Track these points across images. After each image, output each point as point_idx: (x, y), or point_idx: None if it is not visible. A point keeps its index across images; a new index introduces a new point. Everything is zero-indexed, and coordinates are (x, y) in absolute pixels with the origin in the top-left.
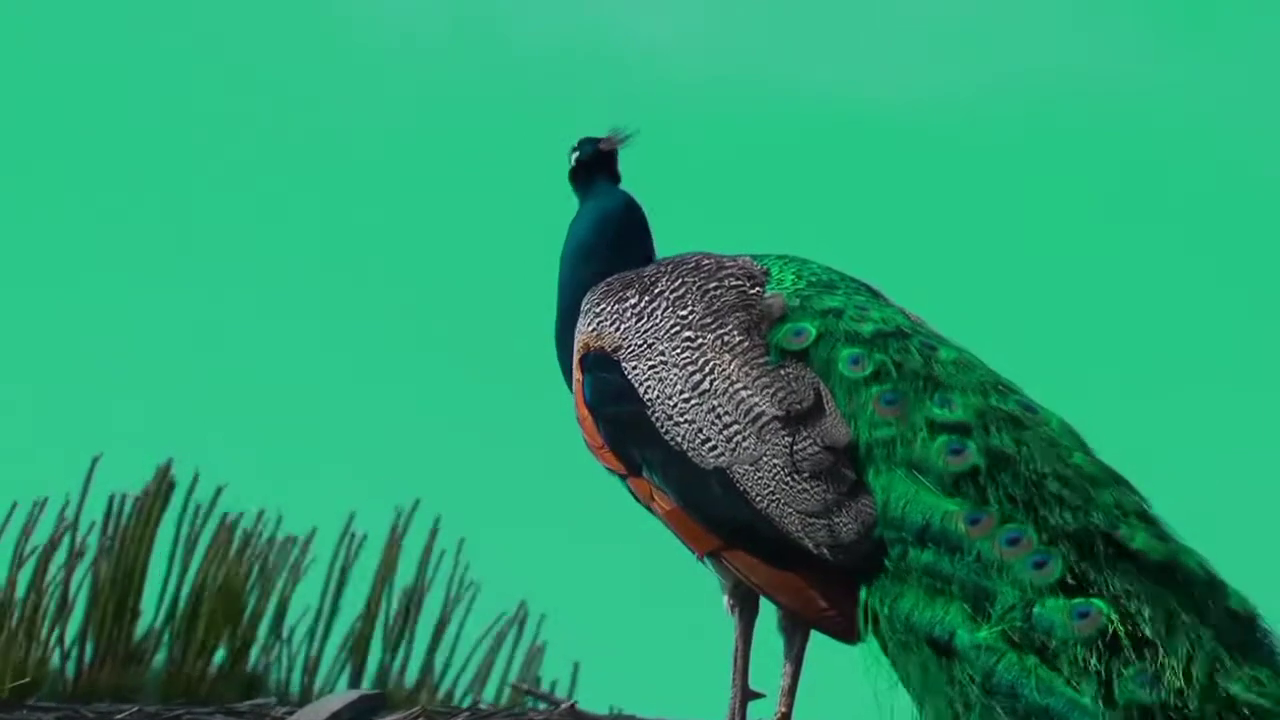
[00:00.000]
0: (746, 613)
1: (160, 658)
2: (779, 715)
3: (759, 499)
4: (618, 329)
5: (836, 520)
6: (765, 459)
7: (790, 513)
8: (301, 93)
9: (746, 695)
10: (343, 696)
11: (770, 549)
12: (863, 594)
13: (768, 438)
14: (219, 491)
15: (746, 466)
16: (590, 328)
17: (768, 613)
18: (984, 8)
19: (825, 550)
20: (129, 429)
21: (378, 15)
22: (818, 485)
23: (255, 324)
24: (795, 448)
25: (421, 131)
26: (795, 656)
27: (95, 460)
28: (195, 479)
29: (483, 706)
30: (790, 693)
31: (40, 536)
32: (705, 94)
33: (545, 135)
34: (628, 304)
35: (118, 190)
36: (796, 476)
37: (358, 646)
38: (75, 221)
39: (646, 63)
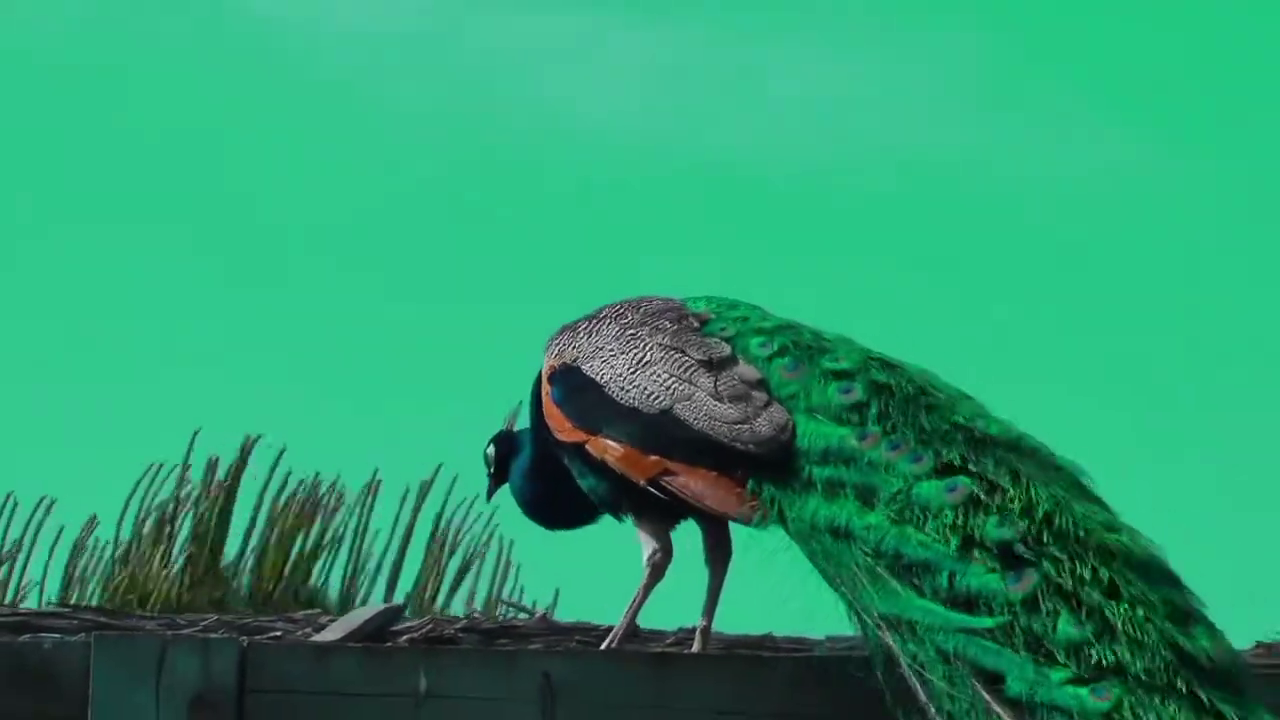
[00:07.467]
0: (657, 573)
1: (245, 581)
2: (701, 627)
3: (695, 422)
4: (573, 346)
5: (754, 424)
6: (696, 394)
7: (719, 425)
8: (291, 147)
9: (632, 630)
10: (371, 608)
11: (708, 459)
12: (775, 497)
13: (696, 380)
14: (265, 451)
15: (684, 403)
16: (553, 354)
17: (694, 547)
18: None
19: (751, 446)
20: (196, 407)
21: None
22: (737, 403)
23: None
24: (718, 383)
25: (408, 148)
26: (716, 583)
27: (195, 434)
28: (282, 453)
29: (478, 616)
30: (711, 610)
31: (155, 494)
32: (641, 158)
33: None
34: (579, 331)
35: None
36: (720, 401)
37: (392, 572)
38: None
39: (590, 130)
